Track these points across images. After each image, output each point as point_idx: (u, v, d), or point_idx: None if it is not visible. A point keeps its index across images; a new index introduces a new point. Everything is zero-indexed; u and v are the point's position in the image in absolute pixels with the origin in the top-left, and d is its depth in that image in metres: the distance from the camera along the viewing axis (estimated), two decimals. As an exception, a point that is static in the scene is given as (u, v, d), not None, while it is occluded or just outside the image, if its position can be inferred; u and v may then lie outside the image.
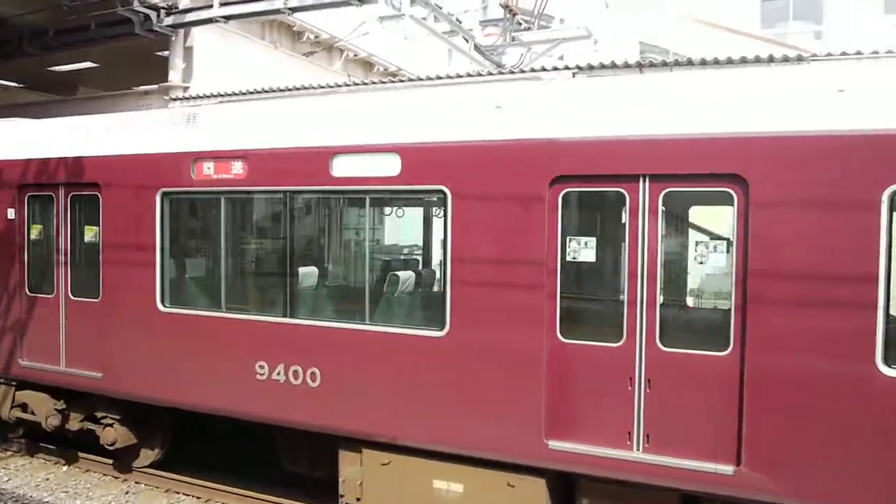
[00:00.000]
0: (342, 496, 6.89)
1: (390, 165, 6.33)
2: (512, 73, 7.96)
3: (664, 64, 6.46)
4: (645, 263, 5.53)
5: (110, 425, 8.47)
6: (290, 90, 7.92)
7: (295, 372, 6.79)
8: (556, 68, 6.84)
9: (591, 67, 6.49)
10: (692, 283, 7.12)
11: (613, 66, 6.47)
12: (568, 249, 5.78)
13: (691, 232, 6.38)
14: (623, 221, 5.77)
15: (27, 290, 8.42)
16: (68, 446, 9.15)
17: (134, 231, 7.58)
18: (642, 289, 5.54)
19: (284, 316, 6.89)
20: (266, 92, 8.09)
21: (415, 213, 7.91)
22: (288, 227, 6.85)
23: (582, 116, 5.72)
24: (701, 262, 5.62)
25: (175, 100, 9.04)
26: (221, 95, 8.26)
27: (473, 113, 6.16)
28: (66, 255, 8.18)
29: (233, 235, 7.44)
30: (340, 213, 7.95)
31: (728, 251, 5.40)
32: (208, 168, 7.13)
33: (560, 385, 5.79)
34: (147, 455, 8.63)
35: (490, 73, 7.46)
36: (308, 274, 7.19)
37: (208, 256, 7.80)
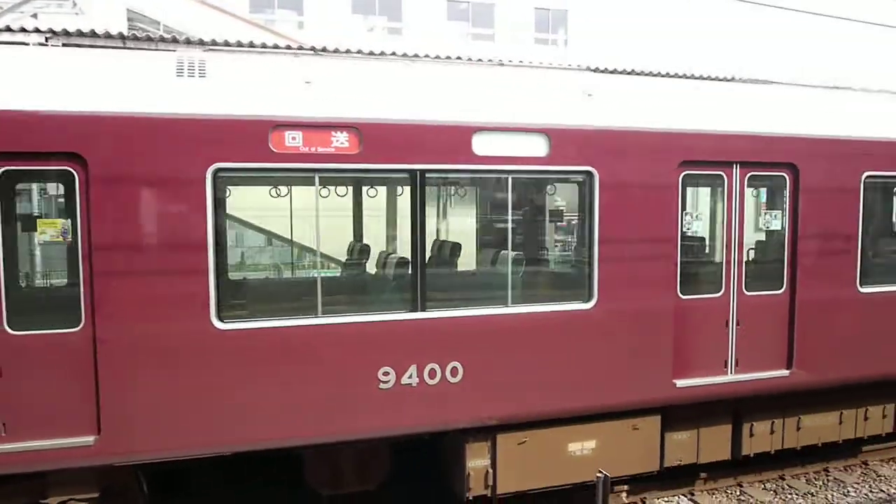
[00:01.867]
0: (469, 489, 6.61)
1: (538, 146, 6.32)
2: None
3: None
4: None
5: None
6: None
7: (431, 371, 6.16)
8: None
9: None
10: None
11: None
12: (684, 224, 6.98)
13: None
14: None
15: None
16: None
17: None
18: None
19: (415, 311, 6.11)
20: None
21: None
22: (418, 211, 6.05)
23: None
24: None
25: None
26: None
27: (622, 100, 6.77)
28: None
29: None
30: (478, 194, 7.02)
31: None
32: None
33: (681, 334, 7.01)
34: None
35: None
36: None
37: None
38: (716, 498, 7.88)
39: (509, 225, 6.50)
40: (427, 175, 6.12)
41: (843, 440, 8.22)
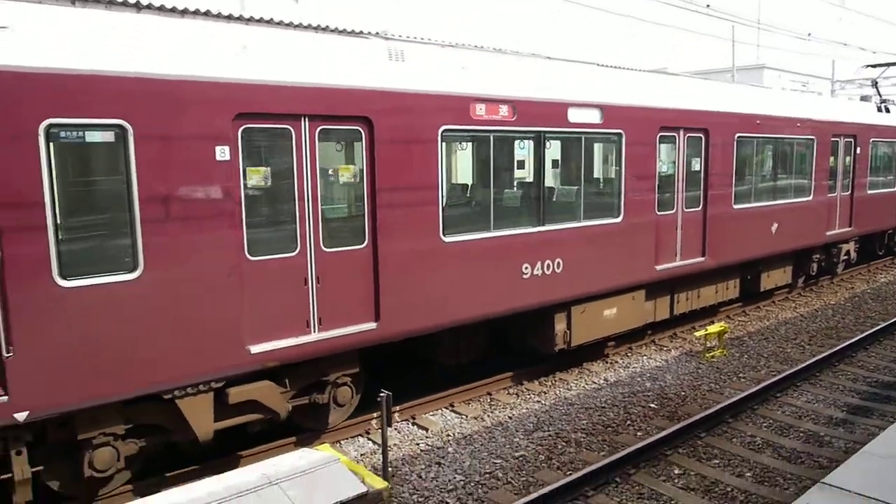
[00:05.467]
0: (556, 345, 9.93)
1: (596, 116, 9.70)
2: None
3: None
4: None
5: (343, 385, 7.94)
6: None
7: (547, 265, 9.34)
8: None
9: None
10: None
11: None
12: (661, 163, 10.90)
13: None
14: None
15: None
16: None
17: None
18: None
19: (540, 225, 9.20)
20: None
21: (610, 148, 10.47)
22: (542, 158, 9.09)
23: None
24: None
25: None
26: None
27: (639, 84, 10.28)
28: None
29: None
30: (566, 147, 9.71)
31: None
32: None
33: (659, 235, 11.00)
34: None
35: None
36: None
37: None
38: (471, 406, 9.42)
39: (582, 169, 9.84)
40: (546, 135, 9.19)
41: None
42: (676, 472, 7.43)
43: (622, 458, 7.42)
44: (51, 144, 5.48)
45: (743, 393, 9.31)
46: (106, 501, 6.76)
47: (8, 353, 5.40)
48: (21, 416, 5.55)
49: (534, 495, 6.63)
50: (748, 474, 7.34)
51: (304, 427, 8.08)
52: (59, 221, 5.56)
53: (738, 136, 12.37)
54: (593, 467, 7.15)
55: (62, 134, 5.56)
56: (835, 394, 9.73)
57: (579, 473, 7.04)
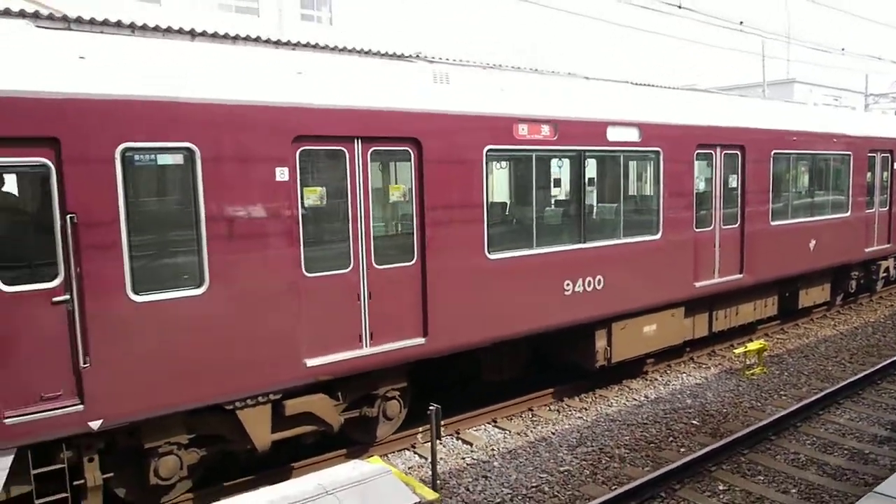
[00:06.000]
0: (597, 361, 10.04)
1: (634, 134, 9.87)
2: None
3: None
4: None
5: (391, 398, 8.17)
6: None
7: (588, 282, 9.48)
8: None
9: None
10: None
11: None
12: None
13: None
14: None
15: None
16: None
17: None
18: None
19: (581, 243, 9.37)
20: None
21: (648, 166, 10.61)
22: (583, 176, 9.28)
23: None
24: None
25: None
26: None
27: (675, 102, 10.45)
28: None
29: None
30: (606, 165, 9.94)
31: None
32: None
33: (697, 251, 11.08)
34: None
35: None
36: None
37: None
38: (514, 422, 9.61)
39: (621, 187, 10.00)
40: (586, 153, 9.39)
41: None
42: (721, 487, 7.48)
43: (666, 474, 7.50)
44: (126, 167, 5.82)
45: (785, 410, 9.32)
46: (167, 509, 7.03)
47: (84, 363, 5.71)
48: (95, 425, 5.85)
49: (581, 508, 6.75)
50: (793, 490, 7.37)
51: (354, 440, 8.30)
52: (132, 239, 5.89)
53: (775, 153, 12.42)
54: (638, 482, 7.24)
55: (136, 157, 5.90)
56: (878, 412, 9.68)
57: (625, 488, 7.13)
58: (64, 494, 5.93)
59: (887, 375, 11.26)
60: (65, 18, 7.89)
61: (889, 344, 13.31)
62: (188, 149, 6.10)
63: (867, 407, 9.90)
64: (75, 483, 6.13)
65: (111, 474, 6.41)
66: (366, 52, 12.55)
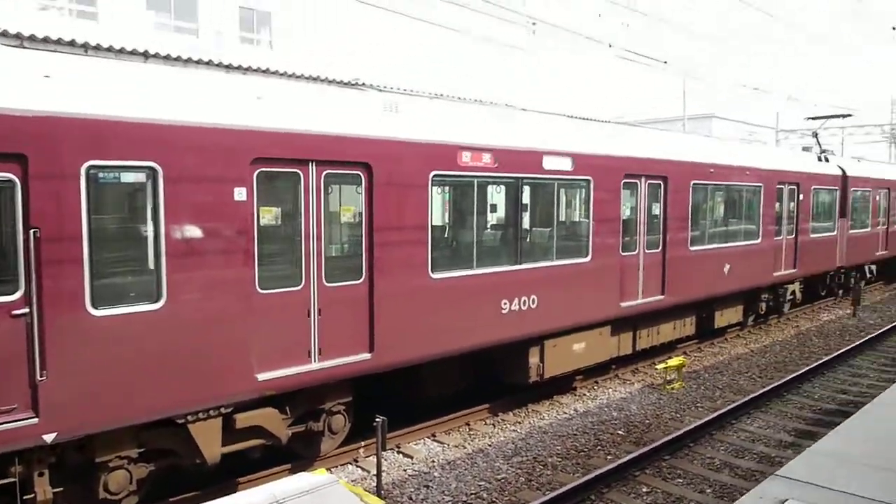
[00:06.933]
0: (530, 377, 10.59)
1: (568, 164, 10.58)
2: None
3: None
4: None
5: (337, 413, 8.45)
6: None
7: (524, 301, 10.06)
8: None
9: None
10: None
11: None
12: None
13: None
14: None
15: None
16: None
17: None
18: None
19: (517, 264, 9.94)
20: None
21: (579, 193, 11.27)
22: (520, 202, 9.87)
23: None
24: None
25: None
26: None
27: (606, 134, 11.20)
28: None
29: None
30: (541, 192, 10.45)
31: None
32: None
33: (623, 274, 11.85)
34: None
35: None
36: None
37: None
38: (452, 435, 10.00)
39: (555, 212, 10.66)
40: (523, 181, 10.00)
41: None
42: (644, 490, 8.11)
43: (595, 479, 8.08)
44: (90, 184, 6.00)
45: (701, 420, 10.10)
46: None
47: (41, 377, 5.82)
48: (49, 438, 5.94)
49: (518, 512, 7.23)
50: (709, 490, 8.08)
51: (298, 454, 8.53)
52: (93, 255, 6.05)
53: (694, 183, 13.44)
54: (570, 486, 7.79)
55: (101, 175, 6.09)
56: (784, 420, 10.61)
57: (557, 492, 7.66)
58: (14, 508, 5.98)
59: (792, 388, 12.29)
60: (18, 36, 7.95)
61: (794, 360, 14.47)
62: (151, 168, 6.33)
63: (774, 416, 10.83)
64: (26, 497, 6.17)
65: (60, 489, 6.47)
66: (306, 78, 12.91)
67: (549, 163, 10.33)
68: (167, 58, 9.50)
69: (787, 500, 5.37)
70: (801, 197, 17.94)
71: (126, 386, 6.30)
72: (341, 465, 8.92)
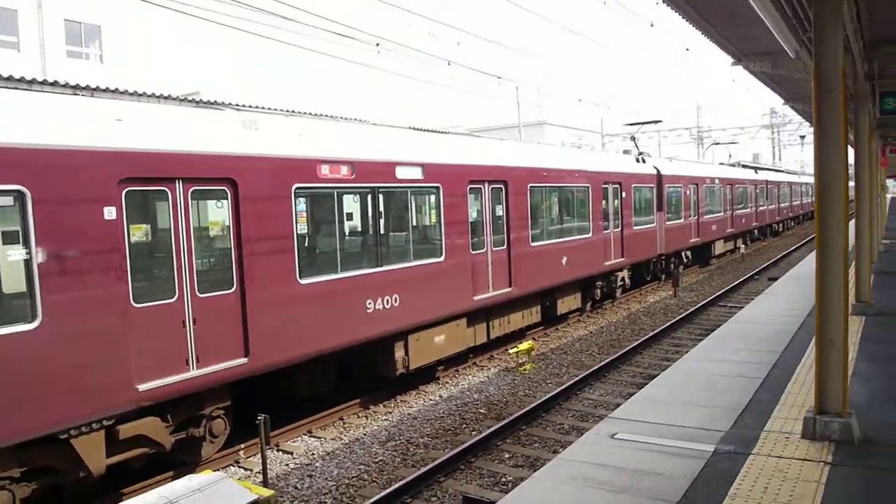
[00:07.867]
0: (397, 370, 11.40)
1: (418, 173, 11.55)
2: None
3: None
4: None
5: (217, 417, 8.77)
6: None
7: (386, 300, 10.87)
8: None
9: None
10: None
11: None
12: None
13: None
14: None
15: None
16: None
17: None
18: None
19: (378, 266, 10.73)
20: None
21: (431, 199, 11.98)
22: (377, 209, 10.66)
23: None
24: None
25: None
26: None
27: (452, 144, 12.25)
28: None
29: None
30: (396, 199, 10.98)
31: None
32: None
33: (474, 270, 12.99)
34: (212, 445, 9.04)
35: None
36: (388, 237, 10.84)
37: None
38: (328, 430, 10.62)
39: (410, 217, 11.57)
40: (379, 190, 10.83)
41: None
42: (507, 456, 9.20)
43: (464, 451, 9.06)
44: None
45: (550, 393, 11.43)
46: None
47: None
48: None
49: (396, 485, 8.02)
50: (561, 450, 9.31)
51: (180, 460, 8.77)
52: None
53: (531, 186, 14.95)
54: (442, 459, 8.70)
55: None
56: (620, 387, 12.22)
57: (431, 465, 8.55)
58: None
59: (626, 360, 14.05)
60: None
61: (627, 337, 16.42)
62: (18, 191, 6.47)
63: (612, 384, 12.42)
64: None
65: (-61, 515, 6.41)
66: (140, 94, 12.79)
67: (401, 172, 11.25)
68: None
69: (616, 433, 6.73)
70: (624, 195, 20.24)
71: (5, 406, 6.38)
72: (223, 467, 9.24)
